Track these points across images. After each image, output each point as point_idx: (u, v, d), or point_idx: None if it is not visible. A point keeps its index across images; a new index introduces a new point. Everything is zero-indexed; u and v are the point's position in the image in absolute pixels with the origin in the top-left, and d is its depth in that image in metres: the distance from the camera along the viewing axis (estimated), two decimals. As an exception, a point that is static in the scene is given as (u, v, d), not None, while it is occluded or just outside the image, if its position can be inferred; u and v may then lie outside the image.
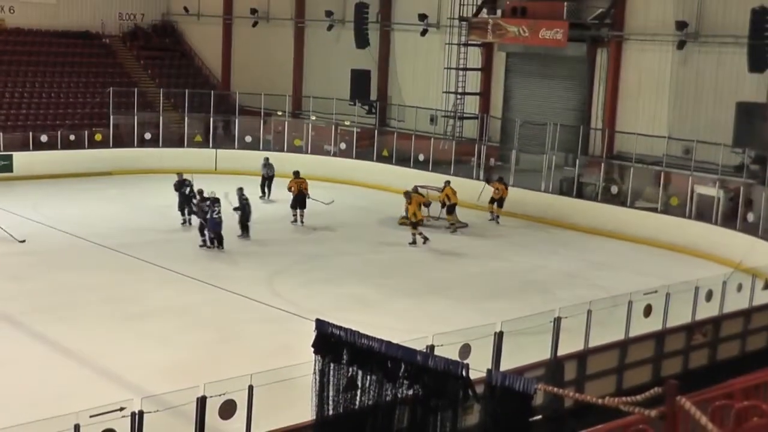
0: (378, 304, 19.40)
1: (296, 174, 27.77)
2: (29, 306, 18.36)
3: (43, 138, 34.53)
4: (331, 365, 8.48)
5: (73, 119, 36.43)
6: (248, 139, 36.79)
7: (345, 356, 8.40)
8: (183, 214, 26.03)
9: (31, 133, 34.36)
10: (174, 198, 26.49)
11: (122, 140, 36.33)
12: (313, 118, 37.45)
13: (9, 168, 33.25)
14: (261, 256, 23.50)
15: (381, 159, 34.83)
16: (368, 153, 35.32)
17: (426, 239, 25.02)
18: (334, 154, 36.09)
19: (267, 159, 30.38)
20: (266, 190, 29.97)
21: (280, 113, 38.14)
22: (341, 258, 23.66)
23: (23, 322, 17.31)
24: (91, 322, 17.59)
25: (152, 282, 20.74)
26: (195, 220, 24.89)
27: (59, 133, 34.96)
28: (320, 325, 8.68)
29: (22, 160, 33.59)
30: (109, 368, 15.01)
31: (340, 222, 27.89)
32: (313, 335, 8.75)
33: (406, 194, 25.48)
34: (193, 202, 24.88)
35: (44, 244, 23.67)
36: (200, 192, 24.10)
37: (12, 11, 39.64)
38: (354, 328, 8.59)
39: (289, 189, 27.38)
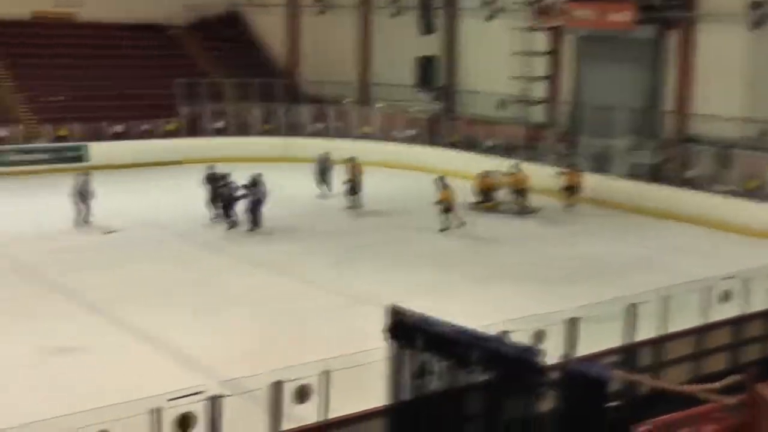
0: (448, 289, 19.29)
1: (351, 161, 27.97)
2: (109, 294, 18.66)
3: (118, 128, 35.12)
4: (405, 351, 8.48)
5: (145, 110, 36.90)
6: (318, 126, 36.81)
7: (418, 342, 8.38)
8: (214, 209, 25.23)
9: (104, 123, 34.99)
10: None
11: (193, 130, 36.81)
12: (381, 104, 37.43)
13: (84, 157, 33.84)
14: (329, 243, 23.56)
15: (449, 145, 34.66)
16: (436, 139, 35.18)
17: (462, 223, 24.80)
18: (402, 141, 36.03)
19: (327, 154, 29.26)
20: (326, 183, 29.06)
21: (347, 100, 38.21)
22: (410, 244, 23.61)
23: (103, 309, 17.62)
24: (169, 310, 17.79)
25: (226, 270, 20.92)
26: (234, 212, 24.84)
27: (132, 123, 35.51)
28: (394, 311, 8.71)
29: (97, 149, 34.17)
30: (186, 354, 15.20)
31: (407, 209, 27.80)
32: (385, 321, 8.76)
33: (438, 182, 25.31)
34: (236, 194, 24.69)
35: (121, 234, 24.04)
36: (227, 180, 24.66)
37: (82, 5, 40.41)
38: (426, 313, 8.56)
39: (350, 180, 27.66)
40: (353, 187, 27.67)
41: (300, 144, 35.80)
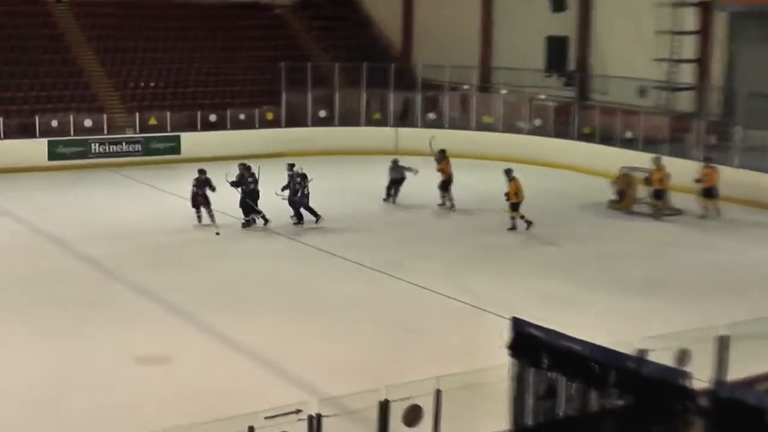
0: (577, 300, 18.93)
1: (442, 153, 27.76)
2: (197, 297, 18.86)
3: (212, 117, 35.82)
4: (530, 370, 8.41)
5: (243, 97, 37.55)
6: (432, 116, 36.95)
7: (545, 360, 8.32)
8: (249, 213, 24.93)
9: (199, 113, 35.72)
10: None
11: (295, 119, 37.22)
12: (504, 91, 37.24)
13: (177, 150, 34.70)
14: (440, 245, 23.53)
15: (582, 137, 34.33)
16: (567, 130, 34.87)
17: (530, 223, 24.54)
18: (528, 132, 35.82)
19: (396, 162, 28.25)
20: (393, 192, 28.17)
21: (466, 87, 38.11)
22: (534, 248, 23.42)
23: (191, 313, 17.82)
24: (263, 315, 17.90)
25: (327, 272, 21.02)
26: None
27: (228, 112, 36.14)
28: (517, 324, 8.62)
29: (190, 140, 34.91)
30: (281, 365, 15.25)
31: (532, 208, 27.52)
32: (505, 334, 8.73)
33: (507, 173, 25.02)
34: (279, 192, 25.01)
35: (212, 231, 24.34)
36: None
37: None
38: (553, 328, 8.49)
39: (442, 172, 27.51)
40: (445, 182, 27.52)
41: (413, 135, 35.95)
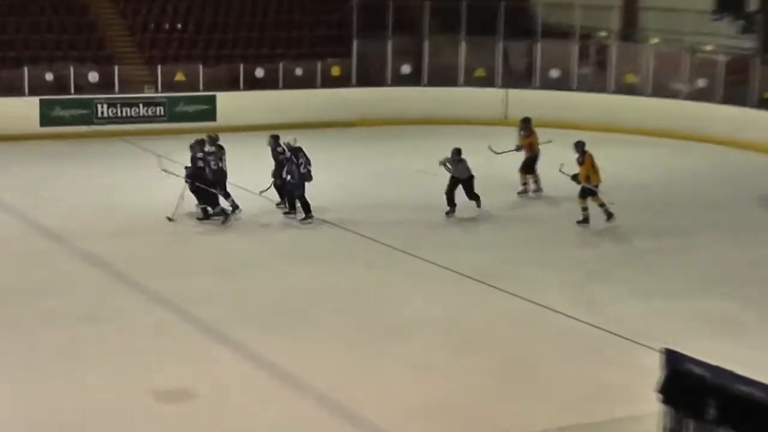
0: (753, 328, 18.49)
1: (527, 123, 27.80)
2: (232, 312, 18.84)
3: (259, 73, 36.30)
4: (690, 422, 8.37)
5: (300, 46, 37.88)
6: (554, 73, 37.04)
7: (711, 409, 8.27)
8: (206, 199, 24.73)
9: (242, 66, 36.10)
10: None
11: (370, 76, 37.56)
12: (655, 40, 37.04)
13: (211, 114, 35.29)
14: (557, 248, 23.55)
15: (764, 104, 34.04)
16: (742, 94, 34.67)
17: (610, 216, 24.52)
18: (688, 97, 35.69)
19: (458, 152, 26.23)
20: (454, 201, 26.17)
21: (603, 34, 37.99)
22: (687, 255, 23.17)
23: (225, 334, 17.77)
24: (319, 337, 17.80)
25: (407, 280, 20.90)
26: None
27: (281, 66, 36.42)
28: (671, 358, 8.59)
29: (228, 103, 35.40)
30: (344, 405, 15.14)
31: (688, 199, 27.62)
32: (657, 372, 8.69)
33: (578, 147, 24.82)
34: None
35: (258, 226, 24.56)
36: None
37: None
38: (721, 365, 8.44)
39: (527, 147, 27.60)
40: (530, 161, 27.56)
41: (529, 99, 35.85)
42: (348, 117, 35.96)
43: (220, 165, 24.58)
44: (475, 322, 18.74)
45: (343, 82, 37.51)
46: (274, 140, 25.45)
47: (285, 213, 25.00)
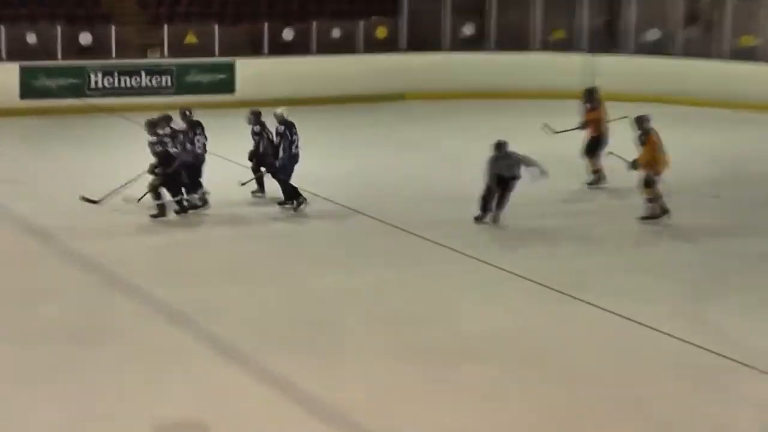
0: None
1: (592, 94, 27.66)
2: (256, 327, 18.47)
3: (287, 35, 36.45)
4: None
5: (338, 3, 38.51)
6: (652, 34, 37.02)
7: None
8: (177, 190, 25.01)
9: (266, 26, 36.31)
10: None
11: (422, 39, 37.78)
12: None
13: (229, 85, 35.78)
14: (656, 255, 23.24)
15: None
16: None
17: (666, 212, 24.43)
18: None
19: (502, 147, 25.45)
20: (491, 203, 25.91)
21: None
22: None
23: (248, 354, 17.43)
24: (359, 358, 17.42)
25: (465, 288, 20.44)
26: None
27: (314, 26, 36.60)
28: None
29: (249, 71, 35.76)
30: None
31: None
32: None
33: (639, 123, 24.53)
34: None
35: (270, 220, 24.64)
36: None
37: None
38: None
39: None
40: (595, 141, 27.31)
41: (619, 67, 36.11)
42: (394, 89, 35.98)
43: (191, 148, 24.65)
44: (555, 342, 18.33)
45: (389, 46, 37.65)
46: (256, 117, 25.60)
47: (280, 203, 25.03)
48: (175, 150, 24.36)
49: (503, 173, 24.66)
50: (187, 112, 25.14)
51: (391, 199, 25.95)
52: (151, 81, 35.09)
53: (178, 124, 24.96)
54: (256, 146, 25.39)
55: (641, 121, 24.68)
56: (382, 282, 20.92)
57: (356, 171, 28.10)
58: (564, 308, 19.24)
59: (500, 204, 24.73)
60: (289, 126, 24.86)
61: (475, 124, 32.84)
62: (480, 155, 26.39)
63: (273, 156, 25.01)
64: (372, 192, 26.50)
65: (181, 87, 35.14)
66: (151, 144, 24.30)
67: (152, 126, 24.39)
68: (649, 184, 24.43)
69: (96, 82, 34.48)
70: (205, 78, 35.58)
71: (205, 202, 24.77)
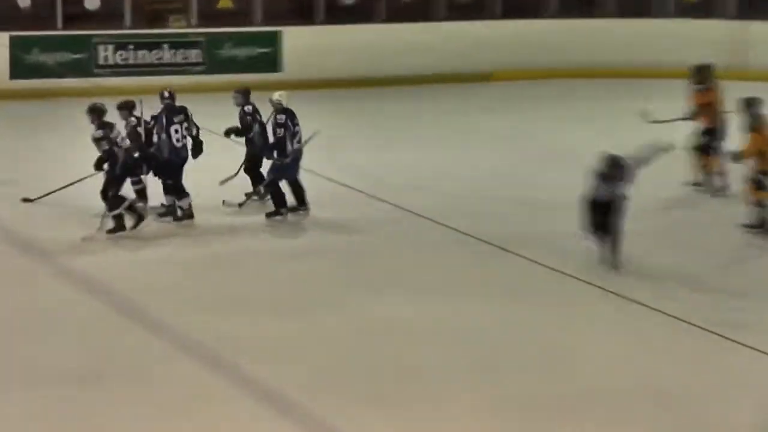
0: None
1: (704, 74, 26.80)
2: (314, 371, 17.35)
3: None
4: None
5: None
6: None
7: None
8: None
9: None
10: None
11: (516, 4, 38.08)
12: None
13: (272, 61, 35.83)
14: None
15: None
16: None
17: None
18: None
19: (615, 163, 26.72)
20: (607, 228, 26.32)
21: None
22: None
23: (303, 406, 16.33)
24: (454, 413, 16.15)
25: (585, 323, 19.41)
26: None
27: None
28: None
29: (298, 44, 35.63)
30: None
31: None
32: None
33: (749, 106, 24.01)
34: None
35: (327, 232, 24.00)
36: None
37: None
38: None
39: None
40: (710, 134, 26.45)
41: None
42: (481, 66, 36.19)
43: (166, 140, 24.52)
44: (715, 395, 17.02)
45: (473, 12, 37.68)
46: (244, 97, 25.49)
47: (293, 209, 24.79)
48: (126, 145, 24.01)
49: (599, 197, 23.02)
50: (166, 94, 24.65)
51: (477, 204, 25.56)
52: (175, 56, 35.26)
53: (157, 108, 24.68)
54: (246, 130, 25.42)
55: (752, 104, 24.35)
56: (475, 314, 19.82)
57: (430, 170, 28.02)
58: (720, 354, 18.41)
59: (614, 248, 22.98)
60: (291, 115, 24.75)
61: (585, 111, 32.77)
62: (590, 150, 25.06)
63: (270, 150, 24.90)
64: (455, 194, 26.22)
65: (215, 64, 35.19)
66: (96, 140, 23.64)
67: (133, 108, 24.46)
68: (759, 186, 23.97)
69: (106, 58, 34.61)
70: (242, 52, 35.70)
71: (184, 212, 24.57)
